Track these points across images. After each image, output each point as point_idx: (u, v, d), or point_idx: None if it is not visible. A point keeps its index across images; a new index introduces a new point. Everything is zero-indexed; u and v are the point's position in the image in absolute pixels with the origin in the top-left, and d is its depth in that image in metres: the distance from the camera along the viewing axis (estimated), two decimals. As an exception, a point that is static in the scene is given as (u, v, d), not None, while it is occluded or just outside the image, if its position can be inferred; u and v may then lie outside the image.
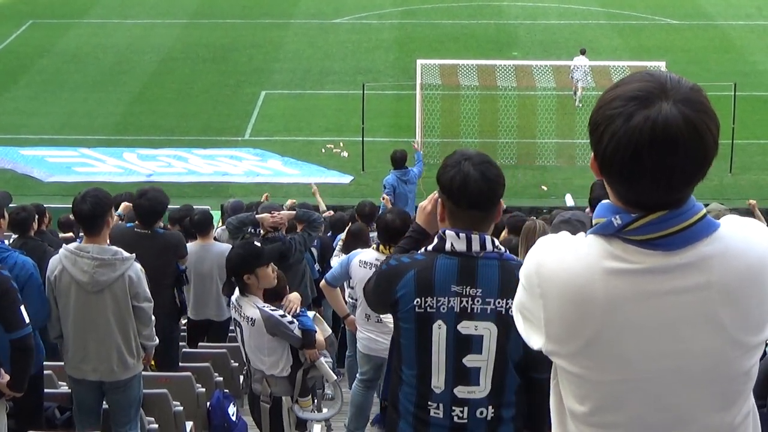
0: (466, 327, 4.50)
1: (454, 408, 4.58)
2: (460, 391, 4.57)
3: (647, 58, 31.22)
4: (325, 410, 8.26)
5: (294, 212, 11.47)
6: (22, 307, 6.72)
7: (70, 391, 8.21)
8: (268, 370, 7.49)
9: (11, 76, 33.99)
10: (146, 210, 9.57)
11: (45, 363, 8.20)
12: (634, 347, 2.66)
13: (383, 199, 17.33)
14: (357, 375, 9.50)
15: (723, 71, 32.00)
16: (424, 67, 27.53)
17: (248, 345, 7.51)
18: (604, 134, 2.60)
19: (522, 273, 2.88)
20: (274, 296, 7.66)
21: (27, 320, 6.74)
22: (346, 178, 25.47)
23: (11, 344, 6.77)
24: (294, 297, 7.76)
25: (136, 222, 9.82)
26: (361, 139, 26.21)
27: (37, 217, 10.92)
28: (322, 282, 9.24)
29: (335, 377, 7.86)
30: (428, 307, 4.50)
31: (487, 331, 4.50)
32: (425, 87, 27.61)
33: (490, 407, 4.59)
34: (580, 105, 29.64)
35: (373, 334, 9.01)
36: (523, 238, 7.85)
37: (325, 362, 7.71)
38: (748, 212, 14.26)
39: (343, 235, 12.51)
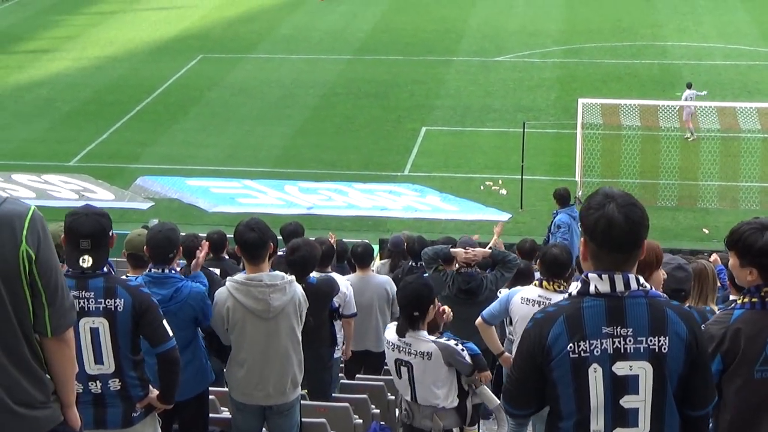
0: (621, 368, 4.47)
1: None
2: None
3: (816, 101, 30.44)
4: None
5: (489, 251, 11.52)
6: (165, 321, 6.87)
7: (230, 416, 8.44)
8: (441, 402, 7.53)
9: (181, 108, 35.06)
10: (299, 266, 9.46)
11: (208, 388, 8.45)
12: None
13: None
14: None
15: None
16: (585, 107, 27.40)
17: (421, 381, 7.53)
18: None
19: None
20: (432, 328, 7.75)
21: (171, 333, 6.87)
22: (504, 216, 25.38)
23: (158, 358, 6.90)
24: (448, 312, 7.83)
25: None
26: (520, 177, 26.17)
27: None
28: (478, 319, 9.12)
29: (498, 401, 7.80)
30: (582, 352, 4.46)
31: (642, 370, 4.47)
32: (586, 126, 27.45)
33: None
34: (695, 137, 29.28)
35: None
36: (695, 280, 7.76)
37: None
38: None
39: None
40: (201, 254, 8.39)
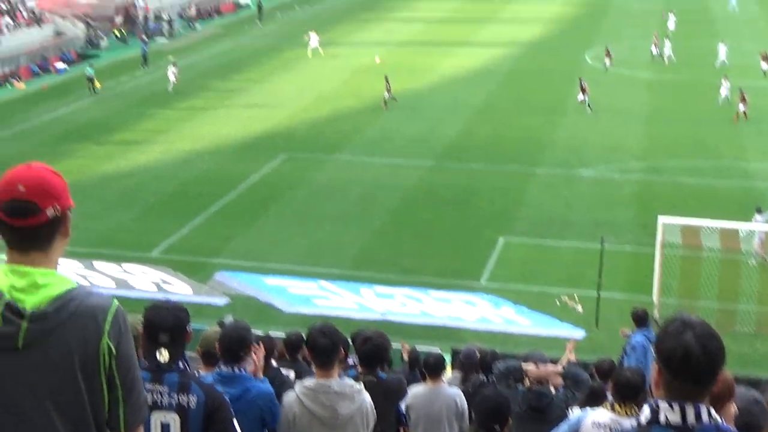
0: None
1: None
2: None
3: None
4: None
5: (560, 368, 11.43)
6: (235, 421, 6.87)
7: None
8: None
9: (263, 206, 35.54)
10: (370, 356, 9.57)
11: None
12: None
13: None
14: None
15: None
16: (665, 226, 27.22)
17: None
18: None
19: None
20: None
21: None
22: (579, 333, 25.16)
23: None
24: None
25: (359, 368, 9.99)
26: (596, 294, 26.00)
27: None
28: None
29: None
30: None
31: None
32: (666, 246, 27.24)
33: None
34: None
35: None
36: None
37: None
38: None
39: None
40: (257, 357, 8.33)
